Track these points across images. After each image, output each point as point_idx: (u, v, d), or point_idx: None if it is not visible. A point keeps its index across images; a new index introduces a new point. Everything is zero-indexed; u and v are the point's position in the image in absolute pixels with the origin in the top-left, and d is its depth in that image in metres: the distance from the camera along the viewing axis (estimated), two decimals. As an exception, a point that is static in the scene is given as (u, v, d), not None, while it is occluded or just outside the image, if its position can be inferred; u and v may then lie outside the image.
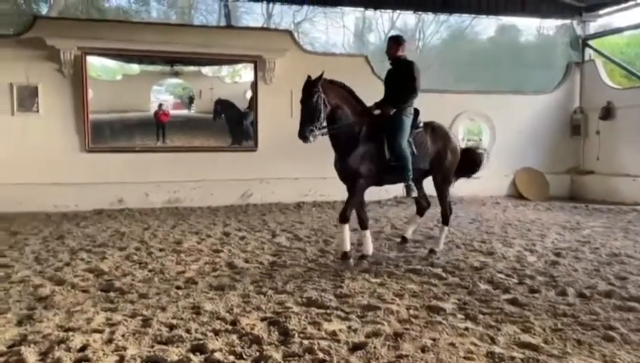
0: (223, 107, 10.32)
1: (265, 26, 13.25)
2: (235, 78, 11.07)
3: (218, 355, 3.13)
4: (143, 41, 9.54)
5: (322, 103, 5.05)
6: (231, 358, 3.14)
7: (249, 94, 10.58)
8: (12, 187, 8.84)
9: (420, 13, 12.81)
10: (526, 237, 7.04)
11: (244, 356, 3.16)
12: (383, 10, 12.63)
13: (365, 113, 5.44)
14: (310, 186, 10.28)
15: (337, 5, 11.86)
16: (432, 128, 5.87)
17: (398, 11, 13.13)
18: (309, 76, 5.19)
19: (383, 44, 17.78)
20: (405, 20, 17.01)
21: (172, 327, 3.61)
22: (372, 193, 10.43)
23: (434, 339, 3.38)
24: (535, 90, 12.57)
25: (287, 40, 10.61)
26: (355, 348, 3.27)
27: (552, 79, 12.92)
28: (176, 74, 10.25)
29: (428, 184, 6.12)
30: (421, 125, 5.75)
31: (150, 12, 13.72)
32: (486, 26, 15.97)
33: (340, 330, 3.52)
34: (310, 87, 5.07)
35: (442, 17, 14.88)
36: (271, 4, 12.63)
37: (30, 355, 3.13)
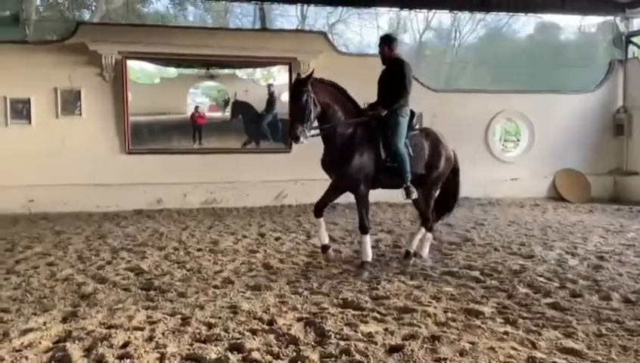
0: (240, 108, 10.40)
1: (299, 28, 13.32)
2: (269, 80, 11.18)
3: (255, 355, 3.16)
4: (180, 45, 9.71)
5: (312, 103, 4.91)
6: (269, 357, 3.16)
7: (285, 97, 10.63)
8: (56, 187, 9.14)
9: (456, 12, 12.61)
10: (567, 240, 6.85)
11: (281, 356, 3.18)
12: (418, 10, 12.49)
13: (359, 114, 5.31)
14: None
15: (372, 6, 11.79)
16: (427, 133, 5.75)
17: (433, 11, 12.96)
18: (298, 75, 5.12)
19: (418, 44, 17.70)
20: (440, 19, 16.81)
21: (210, 326, 3.67)
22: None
23: (473, 343, 3.33)
24: (576, 89, 12.21)
25: (322, 42, 10.63)
26: (392, 350, 3.25)
27: (594, 77, 12.53)
28: (212, 77, 10.40)
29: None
30: (417, 127, 5.65)
31: (187, 16, 14.00)
32: (525, 24, 15.65)
33: (377, 332, 3.51)
34: (299, 86, 4.95)
35: (479, 15, 14.64)
36: (305, 6, 12.69)
37: (75, 351, 3.23)
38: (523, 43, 16.60)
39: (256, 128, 10.45)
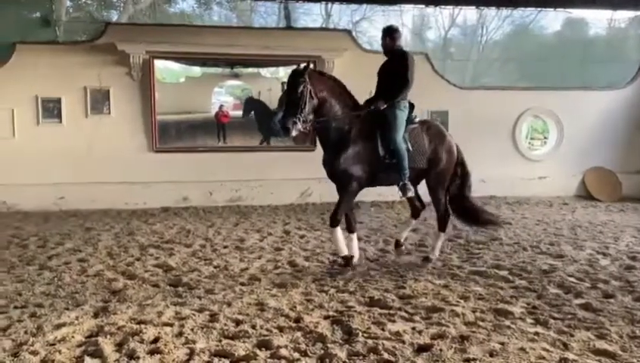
0: (252, 105, 10.42)
1: (323, 26, 13.32)
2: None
3: (283, 352, 3.18)
4: (205, 44, 9.79)
5: (308, 95, 4.76)
6: (296, 355, 3.17)
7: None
8: (86, 185, 9.33)
9: (482, 8, 12.43)
10: (597, 240, 6.70)
11: (309, 353, 3.19)
12: (443, 7, 12.36)
13: (357, 109, 5.16)
14: (369, 185, 10.25)
15: (397, 3, 11.71)
16: (428, 126, 5.53)
17: (459, 7, 12.81)
18: (297, 66, 4.94)
19: (443, 41, 17.54)
20: (466, 15, 16.61)
21: (238, 323, 3.70)
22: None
23: (503, 344, 3.28)
24: (606, 86, 11.93)
25: (346, 40, 10.60)
26: (420, 349, 3.23)
27: (624, 74, 12.23)
28: (236, 76, 10.46)
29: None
30: (417, 120, 5.41)
31: (212, 15, 14.13)
32: (552, 19, 15.37)
33: (405, 331, 3.49)
34: (296, 76, 4.79)
35: (505, 11, 14.41)
36: (329, 4, 12.68)
37: (107, 345, 3.29)
38: (551, 39, 16.29)
39: (267, 125, 10.46)
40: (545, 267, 5.27)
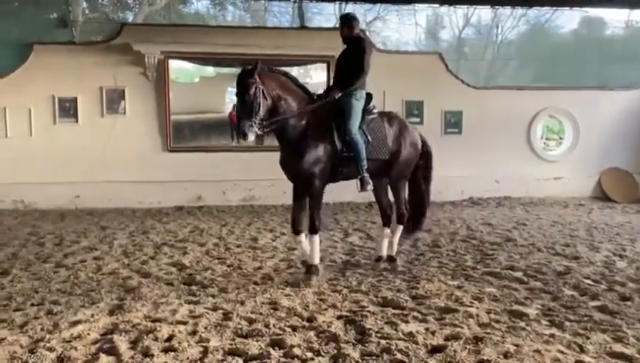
0: None
1: (337, 25, 13.29)
2: (306, 79, 11.16)
3: (296, 351, 3.19)
4: (219, 44, 9.84)
5: (261, 96, 4.50)
6: (310, 354, 3.17)
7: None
8: (101, 184, 9.43)
9: (497, 7, 12.33)
10: (614, 242, 6.61)
11: (322, 353, 3.19)
12: (457, 6, 12.28)
13: (311, 102, 4.90)
14: (382, 185, 10.22)
15: (411, 3, 11.66)
16: (389, 117, 5.29)
17: (474, 7, 12.71)
18: (244, 66, 4.67)
19: (457, 40, 17.42)
20: (480, 15, 16.50)
21: (251, 322, 3.71)
22: (448, 194, 10.29)
23: (517, 345, 3.25)
24: (624, 85, 11.77)
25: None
26: (433, 350, 3.21)
27: (642, 73, 12.07)
28: (250, 76, 10.50)
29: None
30: (375, 111, 5.17)
31: (227, 16, 14.20)
32: (569, 18, 15.18)
33: (418, 332, 3.47)
34: (245, 78, 4.51)
35: (521, 10, 14.29)
36: (343, 4, 12.65)
37: (122, 343, 3.32)
38: (567, 38, 16.12)
39: None
40: (560, 268, 5.21)
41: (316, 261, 4.89)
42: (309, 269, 4.84)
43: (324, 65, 10.53)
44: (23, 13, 10.59)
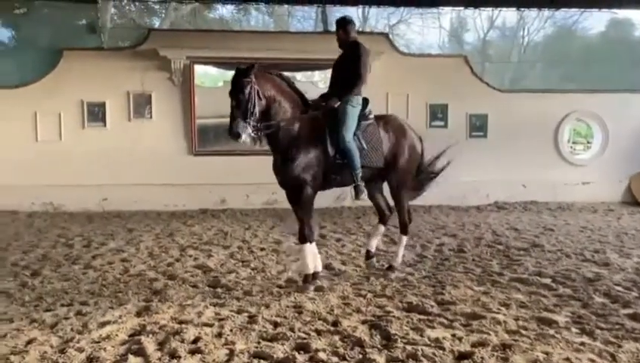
0: None
1: (360, 29, 13.29)
2: (327, 82, 11.11)
3: (322, 355, 3.18)
4: (244, 49, 9.89)
5: (256, 96, 4.36)
6: (335, 358, 3.17)
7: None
8: (128, 187, 9.57)
9: (523, 9, 12.17)
10: (645, 248, 6.45)
11: (347, 358, 3.18)
12: (482, 9, 12.16)
13: (307, 107, 4.79)
14: (405, 189, 10.15)
15: (435, 6, 11.59)
16: (385, 120, 5.10)
17: (499, 9, 12.58)
18: (239, 66, 4.52)
19: (482, 43, 17.24)
20: (506, 17, 16.35)
21: (276, 325, 3.72)
22: (472, 198, 10.18)
23: (547, 353, 3.19)
24: (655, 87, 11.49)
25: (383, 43, 10.56)
26: (460, 357, 3.18)
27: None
28: (273, 80, 10.56)
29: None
30: (371, 116, 4.98)
31: (250, 21, 14.33)
32: (596, 20, 14.96)
33: (444, 338, 3.43)
34: (241, 77, 4.37)
35: (547, 12, 14.09)
36: (366, 8, 12.66)
37: (149, 344, 3.36)
38: (595, 40, 15.85)
39: None
40: (589, 275, 5.10)
41: (309, 270, 4.71)
42: (306, 279, 4.71)
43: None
44: (53, 20, 10.86)
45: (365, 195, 4.85)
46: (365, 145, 4.80)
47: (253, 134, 4.44)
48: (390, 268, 5.20)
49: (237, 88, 4.37)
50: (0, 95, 9.48)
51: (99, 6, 10.53)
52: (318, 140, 4.69)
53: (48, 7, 10.87)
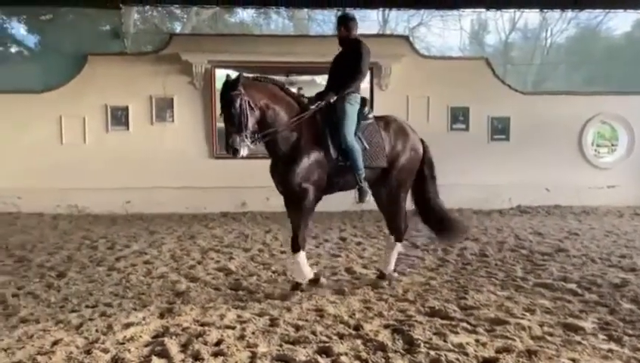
0: None
1: (380, 32, 13.28)
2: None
3: (344, 359, 3.17)
4: (264, 53, 9.97)
5: (247, 107, 4.24)
6: (357, 363, 3.15)
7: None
8: (150, 190, 9.69)
9: (546, 11, 12.01)
10: (674, 253, 6.29)
11: (370, 362, 3.16)
12: (504, 10, 12.04)
13: (303, 110, 4.61)
14: (426, 193, 10.07)
15: (456, 8, 11.50)
16: (386, 121, 4.97)
17: (521, 10, 12.44)
18: (227, 76, 4.43)
19: (504, 45, 17.06)
20: (528, 18, 16.17)
21: (298, 328, 3.72)
22: (494, 202, 10.05)
23: (574, 360, 3.14)
24: (683, 89, 11.23)
25: (404, 45, 10.53)
26: (485, 363, 3.13)
27: None
28: (291, 84, 10.59)
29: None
30: (371, 116, 4.87)
31: (271, 24, 14.41)
32: (622, 20, 14.69)
33: (468, 343, 3.39)
34: (229, 90, 4.24)
35: (571, 13, 13.88)
36: (386, 10, 12.63)
37: (173, 346, 3.39)
38: (620, 41, 15.55)
39: None
40: (616, 281, 4.99)
41: (304, 279, 4.63)
42: (296, 286, 4.63)
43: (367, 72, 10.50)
44: (78, 26, 11.07)
45: (369, 197, 4.75)
46: (366, 145, 4.68)
47: (251, 146, 4.31)
48: (382, 276, 4.98)
49: (227, 103, 4.24)
50: (27, 100, 9.71)
51: (123, 12, 10.70)
52: (320, 143, 4.57)
53: (73, 13, 11.09)
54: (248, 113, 4.24)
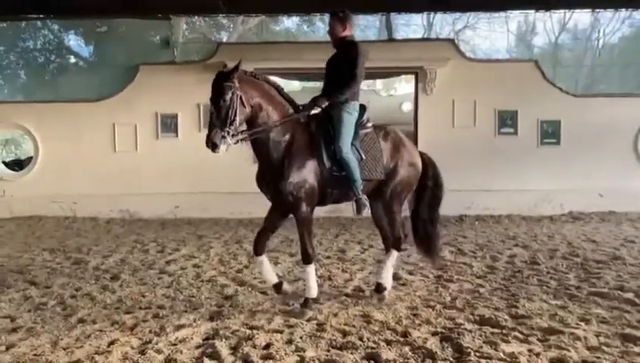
0: None
1: (425, 36, 13.17)
2: (390, 91, 11.09)
3: (393, 366, 3.15)
4: (307, 60, 10.03)
5: (239, 103, 3.93)
6: (406, 370, 3.13)
7: (405, 106, 10.48)
8: (198, 195, 9.93)
9: (598, 11, 11.61)
10: None
11: (419, 370, 3.13)
12: (554, 11, 11.71)
13: (297, 114, 4.33)
14: (472, 199, 9.84)
15: (504, 9, 11.28)
16: (385, 132, 4.63)
17: (571, 11, 12.07)
18: (224, 66, 4.18)
19: (553, 47, 16.59)
20: (578, 19, 15.67)
21: (345, 334, 3.73)
22: (545, 208, 9.76)
23: (633, 373, 3.01)
24: None
25: (449, 49, 10.40)
26: (538, 373, 3.05)
27: None
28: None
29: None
30: (370, 124, 4.54)
31: (315, 32, 14.52)
32: (681, 18, 13.99)
33: (520, 353, 3.31)
34: (221, 81, 3.94)
35: (624, 12, 13.36)
36: (432, 14, 12.52)
37: (223, 348, 3.47)
38: (679, 40, 14.85)
39: None
40: (678, 291, 4.76)
41: (313, 294, 4.33)
42: (306, 303, 4.29)
43: (411, 76, 10.44)
44: (130, 37, 11.50)
45: (367, 210, 4.44)
46: (363, 155, 4.37)
47: (232, 144, 4.00)
48: (378, 288, 4.59)
49: (217, 93, 3.93)
50: (82, 109, 10.15)
51: (172, 22, 11.04)
52: (312, 151, 4.26)
53: (125, 24, 11.53)
54: (238, 108, 3.94)
